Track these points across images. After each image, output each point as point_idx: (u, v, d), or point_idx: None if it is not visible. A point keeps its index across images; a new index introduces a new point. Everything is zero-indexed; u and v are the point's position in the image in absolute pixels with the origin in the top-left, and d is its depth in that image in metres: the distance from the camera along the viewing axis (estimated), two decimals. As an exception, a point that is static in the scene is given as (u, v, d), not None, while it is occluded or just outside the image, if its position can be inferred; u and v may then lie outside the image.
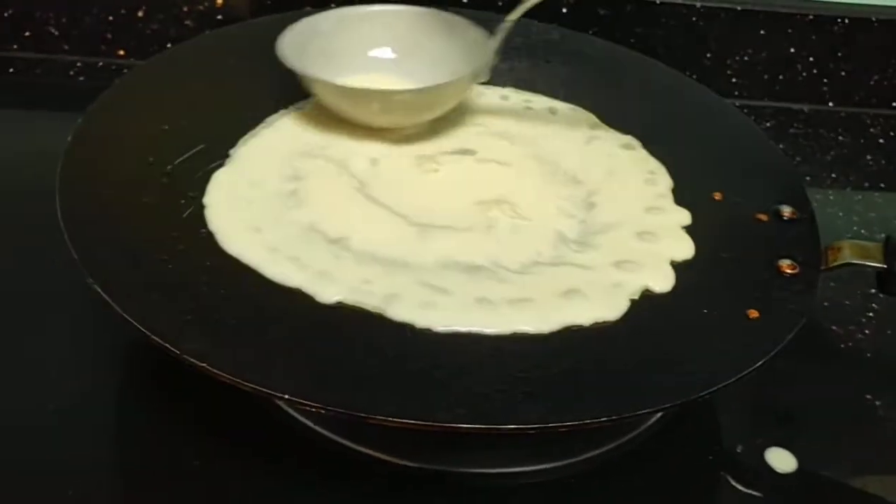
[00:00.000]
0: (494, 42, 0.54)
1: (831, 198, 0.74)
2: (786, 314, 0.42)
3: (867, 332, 0.60)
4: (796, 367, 0.55)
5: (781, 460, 0.48)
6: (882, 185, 0.77)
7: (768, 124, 0.83)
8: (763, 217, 0.50)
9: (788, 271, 0.46)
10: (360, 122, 0.52)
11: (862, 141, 0.82)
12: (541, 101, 0.59)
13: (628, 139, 0.56)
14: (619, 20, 0.79)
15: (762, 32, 0.81)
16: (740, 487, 0.47)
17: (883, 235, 0.49)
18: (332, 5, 0.75)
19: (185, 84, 0.56)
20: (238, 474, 0.43)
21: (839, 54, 0.82)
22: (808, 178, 0.76)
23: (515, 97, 0.59)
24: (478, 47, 0.54)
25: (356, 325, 0.40)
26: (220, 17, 0.79)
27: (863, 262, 0.47)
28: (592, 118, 0.58)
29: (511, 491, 0.45)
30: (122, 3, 0.77)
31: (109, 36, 0.78)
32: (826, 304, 0.61)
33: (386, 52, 0.57)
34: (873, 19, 0.81)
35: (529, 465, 0.45)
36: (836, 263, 0.47)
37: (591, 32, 0.76)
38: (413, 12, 0.58)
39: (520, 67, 0.62)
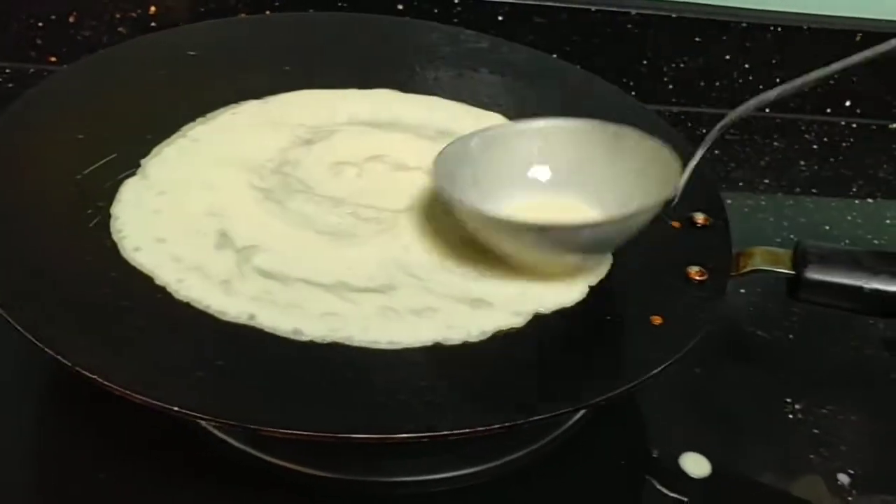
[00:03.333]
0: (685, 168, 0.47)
1: (763, 203, 0.75)
2: (690, 320, 0.42)
3: (790, 336, 0.60)
4: (717, 370, 0.56)
5: (696, 465, 0.48)
6: (814, 191, 0.78)
7: (705, 130, 0.84)
8: (676, 224, 0.50)
9: (697, 277, 0.46)
10: (518, 259, 0.44)
11: (796, 147, 0.83)
12: (464, 110, 0.59)
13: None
14: (555, 28, 0.80)
15: (697, 40, 0.82)
16: (662, 490, 0.47)
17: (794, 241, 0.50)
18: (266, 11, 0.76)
19: (103, 92, 0.55)
20: (148, 487, 0.42)
21: (773, 61, 0.84)
22: (741, 184, 0.77)
23: (432, 104, 0.58)
24: (662, 166, 0.46)
25: (255, 338, 0.40)
26: (153, 24, 0.78)
27: (772, 269, 0.47)
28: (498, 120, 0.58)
29: (428, 498, 0.45)
30: (53, 8, 0.76)
31: (39, 42, 0.77)
32: (750, 308, 0.62)
33: (544, 171, 0.49)
34: (805, 27, 0.82)
35: (448, 472, 0.45)
36: (745, 270, 0.48)
37: (527, 41, 0.76)
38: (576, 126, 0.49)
39: (444, 76, 0.62)
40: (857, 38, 0.83)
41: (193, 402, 0.35)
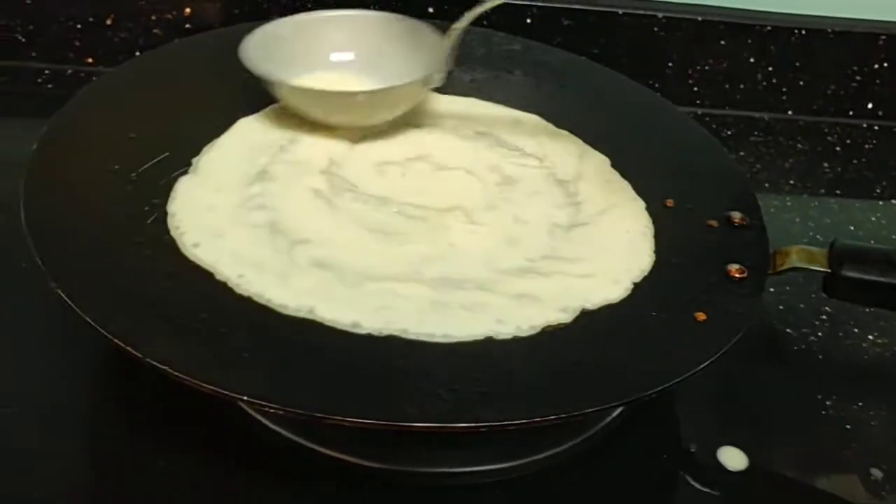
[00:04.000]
0: (444, 48, 0.55)
1: (789, 204, 0.76)
2: (732, 317, 0.44)
3: (820, 334, 0.61)
4: (751, 368, 0.57)
5: (733, 458, 0.49)
6: (838, 192, 0.79)
7: (729, 132, 0.85)
8: (714, 223, 0.51)
9: (737, 275, 0.47)
10: (319, 121, 0.54)
11: (819, 149, 0.84)
12: (501, 111, 0.60)
13: (585, 149, 0.58)
14: (583, 31, 0.81)
15: (722, 43, 0.83)
16: (695, 484, 0.48)
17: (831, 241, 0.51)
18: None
19: (151, 92, 0.56)
20: (203, 476, 0.44)
21: (797, 64, 0.85)
22: (766, 185, 0.78)
23: (477, 107, 0.60)
24: (436, 53, 0.55)
25: (314, 330, 0.41)
26: (188, 25, 0.79)
27: (808, 266, 0.48)
28: (550, 128, 0.59)
29: (472, 489, 0.46)
30: (90, 10, 0.77)
31: (77, 43, 0.79)
32: (781, 307, 0.63)
33: (347, 56, 0.59)
34: (829, 31, 0.83)
35: (490, 464, 0.46)
36: (783, 268, 0.49)
37: (555, 43, 0.77)
38: (375, 17, 0.59)
39: (481, 78, 0.64)
40: (880, 42, 0.84)
41: (259, 390, 0.36)
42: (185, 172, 0.50)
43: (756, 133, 0.85)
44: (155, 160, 0.51)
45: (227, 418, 0.45)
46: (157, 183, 0.49)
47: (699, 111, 0.86)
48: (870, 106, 0.88)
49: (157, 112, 0.55)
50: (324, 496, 0.44)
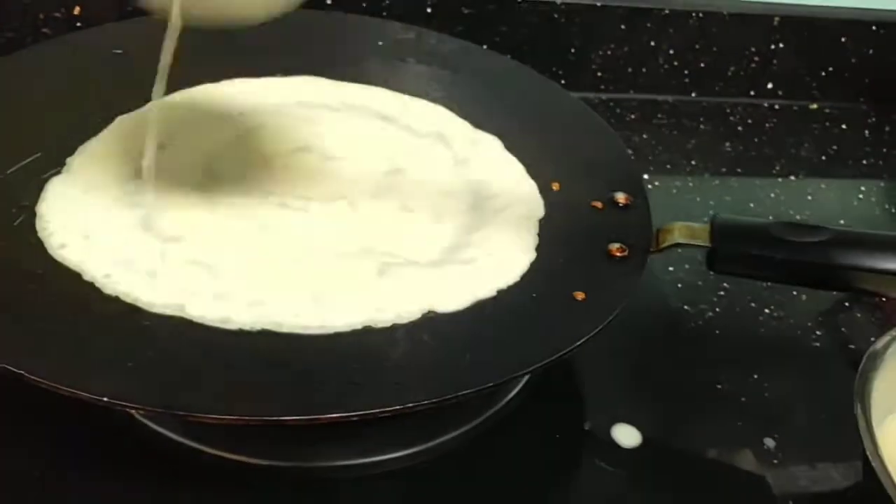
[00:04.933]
0: None
1: (690, 184, 0.77)
2: (610, 295, 0.44)
3: (717, 310, 0.62)
4: (649, 346, 0.58)
5: (627, 436, 0.50)
6: (738, 171, 0.80)
7: (633, 116, 0.86)
8: (598, 204, 0.52)
9: (618, 254, 0.48)
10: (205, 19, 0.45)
11: (722, 129, 0.86)
12: (393, 98, 0.60)
13: (477, 133, 0.57)
14: (483, 19, 0.81)
15: (622, 27, 0.84)
16: (591, 462, 0.48)
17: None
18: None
19: (26, 91, 0.54)
20: (86, 484, 0.42)
21: (697, 47, 0.86)
22: (668, 167, 0.79)
23: (364, 93, 0.59)
24: None
25: (183, 328, 0.40)
26: (79, 24, 0.77)
27: (690, 242, 0.49)
28: (442, 112, 0.59)
29: (361, 482, 0.46)
30: (-26, 11, 0.75)
31: (-39, 44, 0.76)
32: (679, 285, 0.64)
33: None
34: (724, 13, 0.84)
35: (384, 454, 0.46)
36: (665, 245, 0.49)
37: (455, 32, 0.77)
38: None
39: (374, 66, 0.63)
40: (775, 23, 0.86)
41: (121, 391, 0.35)
42: (58, 173, 0.49)
43: (659, 115, 0.86)
44: (26, 161, 0.49)
45: (109, 422, 0.43)
46: (28, 184, 0.47)
47: (603, 96, 0.87)
48: (770, 86, 0.90)
49: (31, 111, 0.53)
50: (212, 496, 0.43)
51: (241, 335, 0.40)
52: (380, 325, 0.42)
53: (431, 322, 0.42)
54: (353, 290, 0.43)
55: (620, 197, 0.52)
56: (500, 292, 0.45)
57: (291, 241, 0.46)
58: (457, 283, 0.44)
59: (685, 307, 0.62)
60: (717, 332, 0.61)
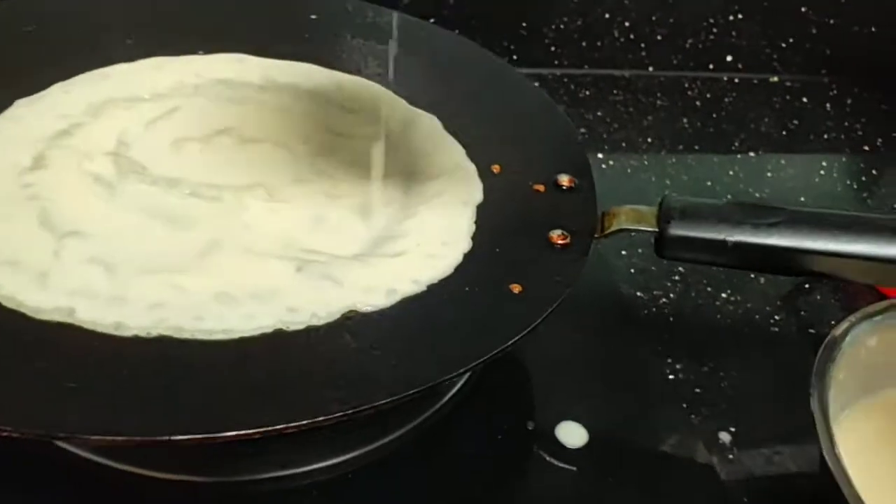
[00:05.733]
0: None
1: (646, 163, 0.74)
2: (548, 286, 0.40)
3: (672, 296, 0.59)
4: (599, 336, 0.55)
5: (572, 434, 0.47)
6: (696, 148, 0.77)
7: (588, 92, 0.83)
8: (540, 188, 0.48)
9: (559, 242, 0.44)
10: None
11: (679, 104, 0.82)
12: (325, 75, 0.55)
13: (413, 112, 0.54)
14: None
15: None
16: (537, 462, 0.45)
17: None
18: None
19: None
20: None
21: (653, 18, 0.82)
22: (623, 145, 0.76)
23: (294, 70, 0.55)
24: None
25: (72, 336, 0.36)
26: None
27: (636, 227, 0.46)
28: (377, 90, 0.55)
29: (294, 493, 0.43)
30: None
31: None
32: (632, 270, 0.61)
33: None
34: (686, -18, 0.81)
35: (322, 462, 0.42)
36: (610, 230, 0.46)
37: (402, 6, 0.73)
38: None
39: (309, 42, 0.59)
40: (737, -9, 0.82)
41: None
42: (-50, 160, 0.44)
43: (614, 91, 0.83)
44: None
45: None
46: (-89, 177, 0.43)
47: (557, 71, 0.83)
48: (729, 58, 0.87)
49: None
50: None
51: (137, 342, 0.36)
52: (292, 327, 0.38)
53: (352, 323, 0.39)
54: (265, 290, 0.39)
55: (564, 179, 0.49)
56: (431, 287, 0.41)
57: (199, 235, 0.42)
58: (382, 279, 0.40)
59: (638, 294, 0.59)
60: (671, 319, 0.58)
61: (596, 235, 0.45)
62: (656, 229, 0.45)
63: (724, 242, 0.44)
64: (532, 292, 0.40)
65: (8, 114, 0.48)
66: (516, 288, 0.41)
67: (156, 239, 0.41)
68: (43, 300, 0.37)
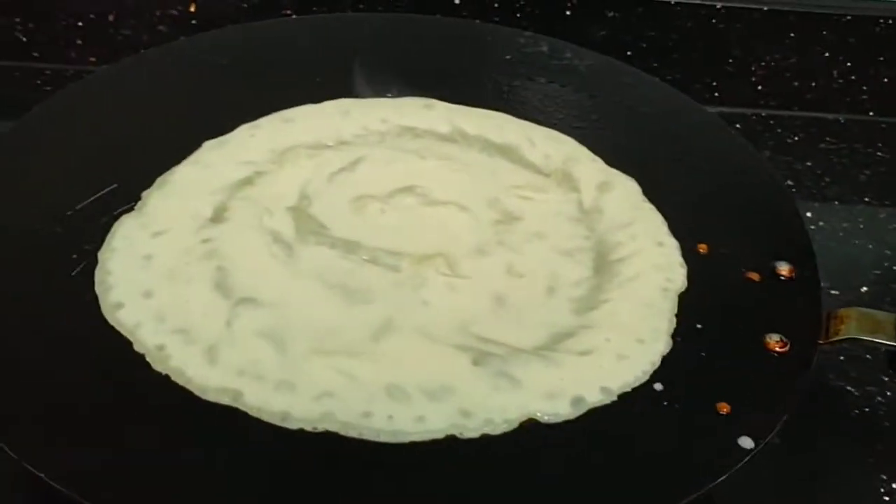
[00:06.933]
0: None
1: (862, 226, 0.66)
2: (764, 408, 0.35)
3: (889, 393, 0.51)
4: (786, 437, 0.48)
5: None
6: (928, 209, 0.68)
7: (796, 138, 0.75)
8: (754, 276, 0.42)
9: (777, 349, 0.38)
10: None
11: (905, 156, 0.73)
12: (516, 128, 0.52)
13: (610, 174, 0.49)
14: (629, 22, 0.72)
15: (792, 35, 0.73)
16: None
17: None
18: (314, 8, 0.71)
19: (116, 108, 0.50)
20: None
21: (881, 58, 0.73)
22: (836, 203, 0.68)
23: (484, 120, 0.51)
24: None
25: (235, 422, 0.34)
26: (194, 21, 0.74)
27: (871, 339, 0.39)
28: (572, 147, 0.50)
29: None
30: (92, 7, 0.72)
31: (79, 42, 0.74)
32: (841, 357, 0.53)
33: None
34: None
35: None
36: (837, 338, 0.39)
37: (597, 36, 0.69)
38: None
39: (500, 87, 0.55)
40: None
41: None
42: (132, 209, 0.44)
43: (828, 138, 0.75)
44: (100, 193, 0.44)
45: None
46: (97, 222, 0.43)
47: (763, 112, 0.76)
48: None
49: (118, 132, 0.49)
50: None
51: (301, 437, 0.33)
52: (466, 434, 0.34)
53: (529, 433, 0.34)
54: (438, 386, 0.35)
55: (784, 268, 0.43)
56: (622, 396, 0.36)
57: (375, 311, 0.39)
58: (566, 383, 0.36)
59: (848, 388, 0.52)
60: (887, 424, 0.50)
61: (820, 342, 0.39)
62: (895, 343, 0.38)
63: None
64: (741, 415, 0.35)
65: (194, 157, 0.47)
66: (724, 408, 0.35)
67: (330, 312, 0.39)
68: (211, 378, 0.35)
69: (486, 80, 0.55)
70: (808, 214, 0.66)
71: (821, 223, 0.66)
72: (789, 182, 0.70)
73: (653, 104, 0.54)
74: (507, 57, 0.58)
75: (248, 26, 0.60)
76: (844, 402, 0.51)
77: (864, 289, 0.59)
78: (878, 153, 0.74)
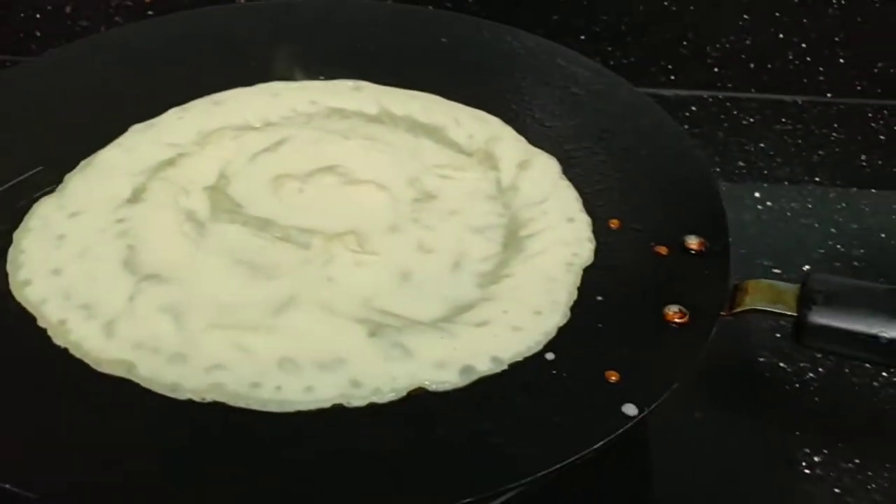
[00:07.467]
0: None
1: (810, 206, 0.66)
2: (651, 378, 0.35)
3: (821, 370, 0.52)
4: (722, 412, 0.48)
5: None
6: (874, 190, 0.68)
7: (752, 119, 0.75)
8: (662, 250, 0.43)
9: (676, 320, 0.39)
10: None
11: (859, 137, 0.73)
12: (444, 108, 0.52)
13: (531, 154, 0.49)
14: (582, 6, 0.73)
15: (746, 17, 0.73)
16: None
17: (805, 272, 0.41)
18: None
19: (48, 94, 0.51)
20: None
21: (836, 39, 0.73)
22: (786, 183, 0.68)
23: (413, 101, 0.52)
24: None
25: (127, 392, 0.35)
26: (150, 11, 0.75)
27: (771, 309, 0.39)
28: (496, 124, 0.51)
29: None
30: (49, -1, 0.73)
31: (39, 34, 0.75)
32: (777, 335, 0.54)
33: None
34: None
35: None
36: (739, 309, 0.40)
37: (551, 21, 0.69)
38: None
39: (430, 69, 0.55)
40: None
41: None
42: (52, 192, 0.44)
43: (783, 120, 0.75)
44: (24, 176, 0.45)
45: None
46: (15, 205, 0.43)
47: (719, 94, 0.76)
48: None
49: (48, 117, 0.49)
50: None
51: (189, 407, 0.34)
52: (353, 403, 0.35)
53: (415, 402, 0.35)
54: (331, 357, 0.36)
55: (693, 242, 0.43)
56: (512, 366, 0.37)
57: (279, 286, 0.39)
58: (458, 352, 0.36)
59: (780, 364, 0.52)
60: (817, 399, 0.50)
61: (722, 313, 0.39)
62: (795, 314, 0.39)
63: (876, 338, 0.37)
64: (629, 384, 0.35)
65: (120, 140, 0.47)
66: (613, 376, 0.36)
67: (233, 288, 0.39)
68: (106, 351, 0.36)
69: (419, 63, 0.56)
70: (757, 195, 0.66)
71: (769, 203, 0.66)
72: (741, 163, 0.70)
73: (584, 85, 0.55)
74: (443, 40, 0.58)
75: (193, 13, 0.61)
76: (771, 377, 0.51)
77: (807, 267, 0.59)
78: (834, 134, 0.74)
